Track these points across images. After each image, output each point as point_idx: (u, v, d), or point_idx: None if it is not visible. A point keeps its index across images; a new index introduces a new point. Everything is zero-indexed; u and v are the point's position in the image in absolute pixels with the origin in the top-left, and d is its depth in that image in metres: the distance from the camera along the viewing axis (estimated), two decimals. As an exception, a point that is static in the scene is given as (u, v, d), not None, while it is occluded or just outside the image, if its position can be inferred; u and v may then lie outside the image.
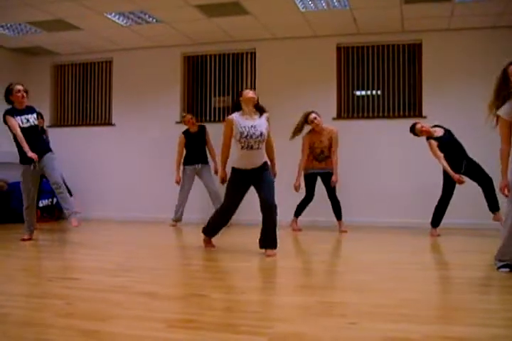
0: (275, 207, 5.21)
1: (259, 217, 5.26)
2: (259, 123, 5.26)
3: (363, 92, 9.11)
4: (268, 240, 5.24)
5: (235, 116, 5.31)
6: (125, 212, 9.54)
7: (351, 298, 3.35)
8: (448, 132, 7.02)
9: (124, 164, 9.76)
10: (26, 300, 3.26)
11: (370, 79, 8.97)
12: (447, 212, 6.98)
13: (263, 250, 5.23)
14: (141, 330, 2.63)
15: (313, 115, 7.53)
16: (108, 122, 10.13)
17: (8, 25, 8.45)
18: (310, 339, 2.49)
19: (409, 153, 8.41)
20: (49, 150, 6.44)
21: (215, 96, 9.70)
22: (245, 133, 5.18)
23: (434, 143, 6.92)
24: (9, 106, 6.29)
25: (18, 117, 6.17)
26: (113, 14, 7.97)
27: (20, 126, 6.13)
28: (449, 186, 6.86)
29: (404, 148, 8.46)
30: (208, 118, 9.56)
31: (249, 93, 5.30)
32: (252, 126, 5.21)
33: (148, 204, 9.51)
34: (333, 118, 8.82)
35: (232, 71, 9.63)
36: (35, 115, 6.32)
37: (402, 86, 8.82)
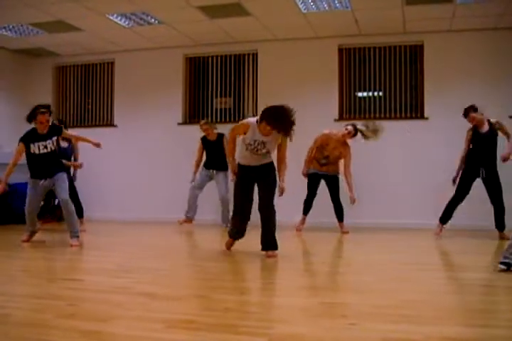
0: (272, 208, 5.18)
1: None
2: (270, 140, 5.05)
3: (365, 93, 9.12)
4: (268, 242, 5.21)
5: (253, 123, 5.02)
6: (127, 212, 9.55)
7: (352, 299, 3.36)
8: (491, 133, 6.78)
9: (125, 165, 9.77)
10: (28, 301, 3.27)
11: (371, 80, 8.98)
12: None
13: (264, 251, 5.22)
14: (142, 331, 2.64)
15: (351, 129, 7.44)
16: (110, 123, 10.15)
17: (11, 26, 8.47)
18: (309, 340, 2.49)
19: (411, 154, 8.42)
20: (62, 170, 6.34)
21: (216, 97, 9.71)
22: (252, 147, 5.07)
23: (469, 134, 6.86)
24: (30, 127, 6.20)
25: (36, 144, 6.07)
26: (115, 15, 7.98)
27: (36, 153, 6.08)
28: (463, 185, 6.79)
29: (405, 149, 8.47)
30: (209, 119, 9.55)
31: (266, 129, 4.94)
32: (262, 142, 5.04)
33: (149, 205, 9.52)
34: (335, 120, 8.84)
35: (234, 72, 9.65)
36: (55, 138, 6.18)
37: (404, 87, 8.82)
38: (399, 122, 8.70)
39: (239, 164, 5.31)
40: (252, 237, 5.86)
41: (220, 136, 8.44)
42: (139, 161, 9.70)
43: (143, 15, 8.00)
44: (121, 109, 10.03)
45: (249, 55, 9.53)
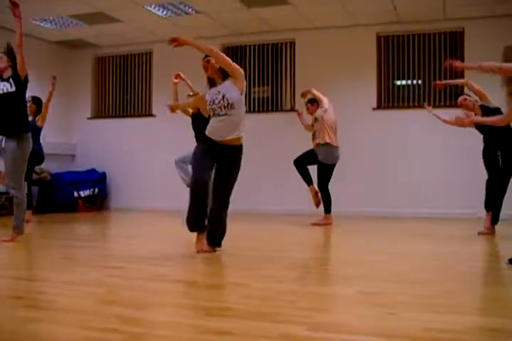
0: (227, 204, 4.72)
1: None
2: (224, 86, 4.65)
3: (403, 82, 9.02)
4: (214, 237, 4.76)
5: (205, 88, 4.92)
6: (166, 202, 9.62)
7: (390, 289, 3.33)
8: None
9: (164, 155, 9.83)
10: (70, 288, 3.33)
11: (410, 68, 8.87)
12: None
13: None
14: (181, 318, 2.67)
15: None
16: (148, 113, 10.23)
17: (51, 18, 8.60)
18: (348, 329, 2.48)
19: (452, 143, 8.28)
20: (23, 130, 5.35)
21: (254, 86, 9.70)
22: (212, 102, 4.63)
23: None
24: None
25: None
26: (152, 6, 8.04)
27: None
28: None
29: (446, 138, 8.33)
30: (247, 108, 9.54)
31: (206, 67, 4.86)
32: (217, 92, 4.63)
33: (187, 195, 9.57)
34: (373, 108, 8.78)
35: (272, 61, 9.62)
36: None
37: (444, 75, 8.67)
38: (438, 110, 8.54)
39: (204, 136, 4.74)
40: (287, 225, 5.87)
41: None
42: (177, 151, 9.74)
43: (180, 5, 8.03)
44: (160, 98, 10.09)
45: (286, 43, 9.49)
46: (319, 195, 7.27)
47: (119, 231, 7.32)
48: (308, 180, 7.36)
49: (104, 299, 3.05)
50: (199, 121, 7.40)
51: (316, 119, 7.34)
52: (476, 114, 6.22)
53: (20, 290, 3.29)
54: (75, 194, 9.37)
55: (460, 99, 6.52)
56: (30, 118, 6.59)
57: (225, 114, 4.54)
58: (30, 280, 3.61)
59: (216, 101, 4.57)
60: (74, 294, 3.17)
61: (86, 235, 6.73)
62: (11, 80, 5.26)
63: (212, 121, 4.63)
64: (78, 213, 9.17)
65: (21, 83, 5.28)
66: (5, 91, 5.24)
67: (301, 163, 7.38)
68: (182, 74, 7.34)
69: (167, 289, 3.35)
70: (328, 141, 7.15)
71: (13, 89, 5.24)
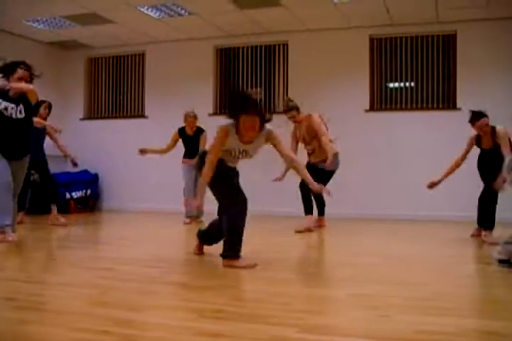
0: None
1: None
2: (253, 147, 4.30)
3: (396, 84, 9.03)
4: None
5: (231, 129, 4.13)
6: (159, 204, 9.61)
7: (383, 291, 3.33)
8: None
9: (157, 156, 9.81)
10: (62, 289, 3.32)
11: (403, 70, 8.89)
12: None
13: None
14: (173, 320, 2.66)
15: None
16: (141, 114, 10.22)
17: (44, 19, 8.57)
18: (340, 332, 2.48)
19: (446, 145, 8.28)
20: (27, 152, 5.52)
21: (247, 88, 9.70)
22: (232, 155, 4.29)
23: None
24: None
25: (11, 105, 5.22)
26: (145, 7, 8.02)
27: (5, 115, 5.20)
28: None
29: (440, 140, 8.35)
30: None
31: (248, 125, 4.03)
32: (243, 151, 4.29)
33: (181, 197, 9.55)
34: (366, 111, 8.80)
35: (265, 63, 9.63)
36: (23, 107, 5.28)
37: (436, 78, 8.71)
38: (431, 113, 8.60)
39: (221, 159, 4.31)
40: (282, 227, 5.84)
41: (199, 131, 7.92)
42: (170, 152, 9.74)
43: (173, 7, 8.02)
44: (152, 100, 10.09)
45: (279, 45, 9.49)
46: (308, 230, 6.86)
47: (111, 233, 7.29)
48: (307, 209, 6.95)
49: (96, 301, 3.04)
50: (191, 142, 7.95)
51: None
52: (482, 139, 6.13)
53: (12, 291, 3.28)
54: (67, 195, 9.34)
55: (481, 122, 6.02)
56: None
57: (245, 158, 4.45)
58: (22, 282, 3.59)
59: (239, 156, 4.32)
60: (66, 295, 3.15)
61: (78, 236, 6.70)
62: (21, 105, 5.24)
63: (231, 158, 4.37)
64: (70, 214, 9.12)
65: (31, 108, 5.33)
66: (14, 116, 5.22)
67: (307, 188, 7.06)
68: (143, 150, 8.06)
69: (159, 291, 3.35)
70: (324, 157, 7.04)
71: (23, 115, 5.26)
